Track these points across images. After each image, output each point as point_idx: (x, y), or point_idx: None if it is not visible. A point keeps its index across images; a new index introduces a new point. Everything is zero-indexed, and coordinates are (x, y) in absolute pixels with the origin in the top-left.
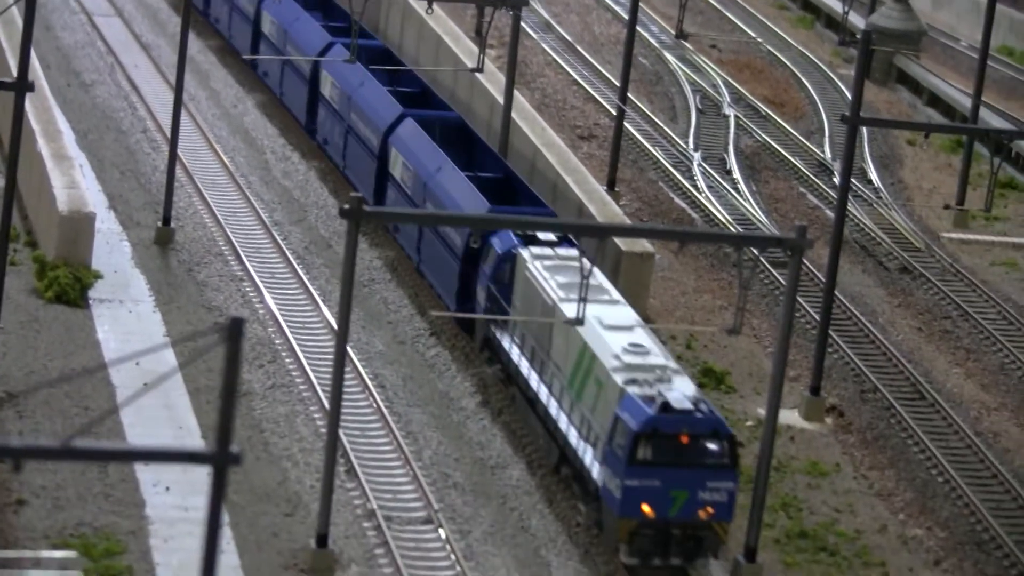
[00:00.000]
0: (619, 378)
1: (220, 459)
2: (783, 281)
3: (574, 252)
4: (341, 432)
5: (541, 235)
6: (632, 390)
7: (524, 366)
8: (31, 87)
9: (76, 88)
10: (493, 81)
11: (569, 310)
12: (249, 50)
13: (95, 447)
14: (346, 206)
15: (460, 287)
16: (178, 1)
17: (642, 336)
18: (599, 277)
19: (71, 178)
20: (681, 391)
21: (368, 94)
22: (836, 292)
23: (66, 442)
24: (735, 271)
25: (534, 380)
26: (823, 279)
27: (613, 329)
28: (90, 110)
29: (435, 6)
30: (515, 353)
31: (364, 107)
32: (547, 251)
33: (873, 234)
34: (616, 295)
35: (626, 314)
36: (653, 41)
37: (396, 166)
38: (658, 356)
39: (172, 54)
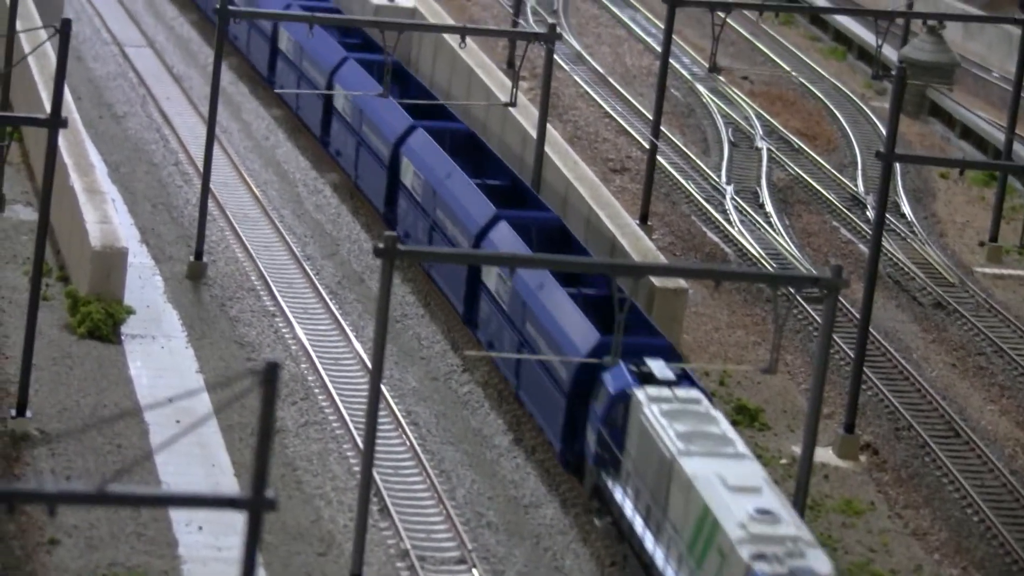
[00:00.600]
0: (744, 552)
1: (256, 504)
2: (817, 317)
3: (695, 393)
4: (374, 470)
5: (658, 372)
6: (760, 568)
7: (638, 524)
8: (64, 123)
9: (108, 120)
10: (526, 114)
11: (689, 465)
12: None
13: (131, 492)
14: (380, 244)
15: (566, 425)
16: (210, 34)
17: (771, 499)
18: (722, 425)
19: (104, 213)
20: (815, 568)
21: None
22: (870, 328)
23: (101, 487)
24: (769, 306)
25: (649, 542)
26: (856, 315)
27: (738, 491)
28: (122, 142)
29: (467, 39)
30: (628, 507)
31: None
32: (665, 392)
33: (906, 269)
34: (742, 446)
35: (753, 471)
36: (685, 73)
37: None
38: (789, 525)
39: (204, 85)
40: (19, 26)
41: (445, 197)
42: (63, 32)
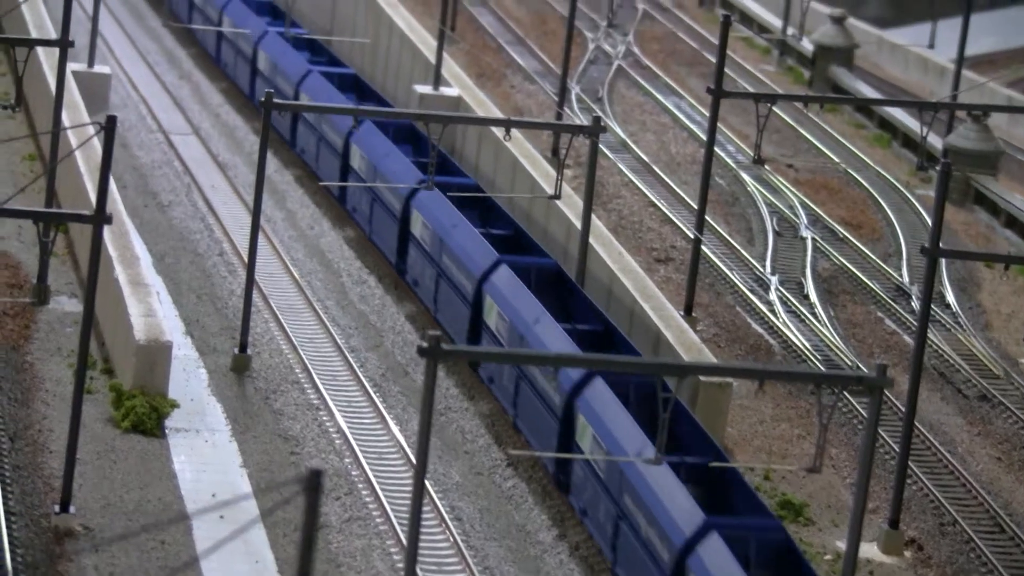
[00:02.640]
0: None
1: None
2: (862, 411)
3: None
4: (418, 567)
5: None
6: None
7: None
8: (109, 220)
9: (153, 209)
10: (570, 204)
11: None
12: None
13: None
14: (424, 344)
15: None
16: (256, 122)
17: None
18: None
19: (148, 306)
20: None
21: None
22: (914, 422)
23: None
24: (813, 398)
25: None
26: (901, 408)
27: None
28: (167, 231)
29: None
30: None
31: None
32: None
33: (951, 360)
34: None
35: None
36: (729, 161)
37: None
38: None
39: (249, 173)
40: (65, 115)
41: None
42: (108, 129)
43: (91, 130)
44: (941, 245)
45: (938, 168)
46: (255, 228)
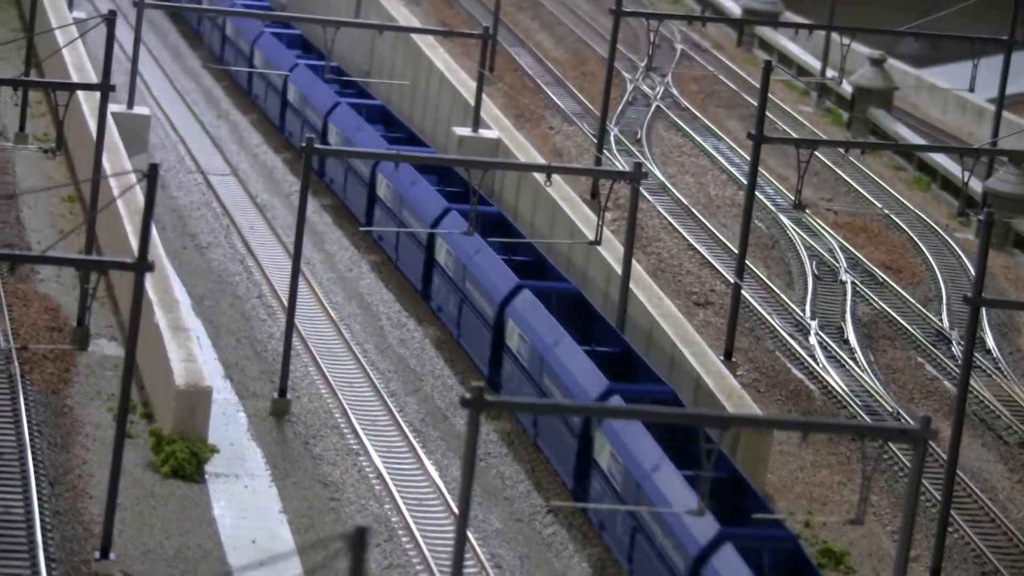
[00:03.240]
0: None
1: None
2: (903, 458)
3: None
4: None
5: None
6: None
7: None
8: (151, 267)
9: (192, 251)
10: (610, 248)
11: None
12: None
13: None
14: (467, 395)
15: None
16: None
17: None
18: None
19: (188, 350)
20: None
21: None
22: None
23: None
24: (854, 444)
25: None
26: (943, 455)
27: None
28: (205, 274)
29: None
30: None
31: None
32: None
33: (992, 406)
34: None
35: None
36: (768, 204)
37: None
38: None
39: (288, 215)
40: (105, 157)
41: (472, 269)
42: (150, 177)
43: (133, 176)
44: (983, 294)
45: (978, 215)
46: (295, 273)
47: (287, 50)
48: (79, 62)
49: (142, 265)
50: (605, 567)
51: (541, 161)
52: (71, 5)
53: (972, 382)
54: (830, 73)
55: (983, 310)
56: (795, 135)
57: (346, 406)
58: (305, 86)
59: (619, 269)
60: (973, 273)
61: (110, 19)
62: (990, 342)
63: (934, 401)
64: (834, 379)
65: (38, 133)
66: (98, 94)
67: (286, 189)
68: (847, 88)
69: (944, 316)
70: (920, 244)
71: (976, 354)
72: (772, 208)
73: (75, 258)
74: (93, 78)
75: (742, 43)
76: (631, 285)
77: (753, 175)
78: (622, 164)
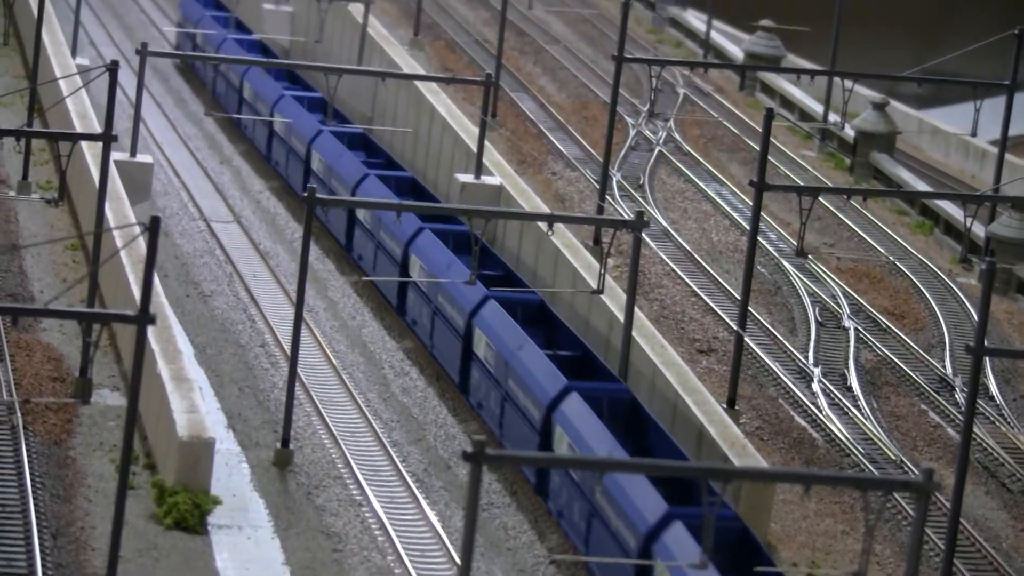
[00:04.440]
0: None
1: None
2: (906, 507)
3: None
4: None
5: None
6: None
7: None
8: (153, 320)
9: (195, 299)
10: (612, 296)
11: None
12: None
13: None
14: (468, 450)
15: None
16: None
17: None
18: None
19: (191, 401)
20: None
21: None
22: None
23: None
24: (857, 493)
25: None
26: (946, 504)
27: None
28: (208, 322)
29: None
30: None
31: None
32: None
33: (995, 454)
34: None
35: None
36: (771, 249)
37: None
38: None
39: (290, 262)
40: (108, 206)
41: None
42: (152, 230)
43: (136, 229)
44: (986, 342)
45: (981, 260)
46: (297, 323)
47: (308, 114)
48: (82, 109)
49: (144, 318)
50: None
51: (544, 207)
52: (74, 52)
53: (975, 429)
54: (833, 117)
55: (987, 358)
56: (798, 180)
57: (349, 456)
58: (331, 156)
59: (622, 317)
60: (976, 319)
61: (112, 69)
62: (993, 389)
63: (937, 448)
64: (837, 427)
65: (41, 181)
66: (101, 146)
67: (288, 236)
68: (850, 132)
69: (947, 362)
70: (923, 289)
71: (979, 401)
72: (775, 254)
73: (77, 311)
74: (96, 125)
75: (744, 87)
76: (634, 334)
77: (755, 222)
78: (625, 210)
